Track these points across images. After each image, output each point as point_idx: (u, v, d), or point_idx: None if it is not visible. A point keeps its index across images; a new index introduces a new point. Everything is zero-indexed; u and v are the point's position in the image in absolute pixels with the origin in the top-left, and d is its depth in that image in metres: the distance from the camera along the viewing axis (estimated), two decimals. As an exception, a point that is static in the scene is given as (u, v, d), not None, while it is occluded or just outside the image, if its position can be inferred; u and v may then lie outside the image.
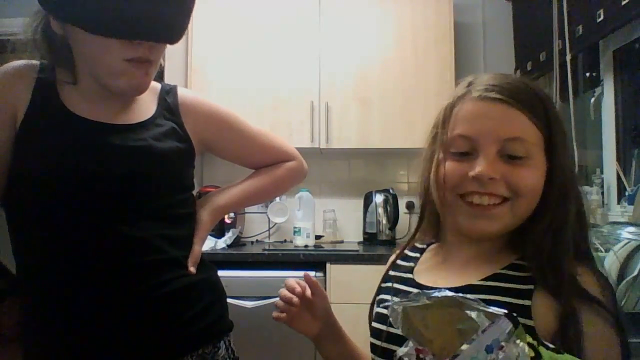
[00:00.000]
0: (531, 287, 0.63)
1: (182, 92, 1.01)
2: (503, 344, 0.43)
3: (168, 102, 0.97)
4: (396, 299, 0.51)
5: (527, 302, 0.61)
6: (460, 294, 0.49)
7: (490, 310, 0.45)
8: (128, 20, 0.77)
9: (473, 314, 0.45)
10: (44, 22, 0.85)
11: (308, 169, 1.18)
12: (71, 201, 0.82)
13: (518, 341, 0.44)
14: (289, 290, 0.85)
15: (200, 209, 1.00)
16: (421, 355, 0.46)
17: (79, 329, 0.81)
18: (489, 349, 0.43)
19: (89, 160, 0.83)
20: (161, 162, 0.89)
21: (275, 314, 0.87)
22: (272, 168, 1.11)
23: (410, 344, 0.49)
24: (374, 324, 0.80)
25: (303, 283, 0.85)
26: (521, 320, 0.47)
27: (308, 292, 0.85)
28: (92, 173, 0.83)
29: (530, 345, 0.45)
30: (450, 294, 0.48)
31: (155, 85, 0.99)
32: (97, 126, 0.86)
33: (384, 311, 0.79)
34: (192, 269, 0.91)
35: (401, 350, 0.49)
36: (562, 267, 0.63)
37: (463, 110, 0.69)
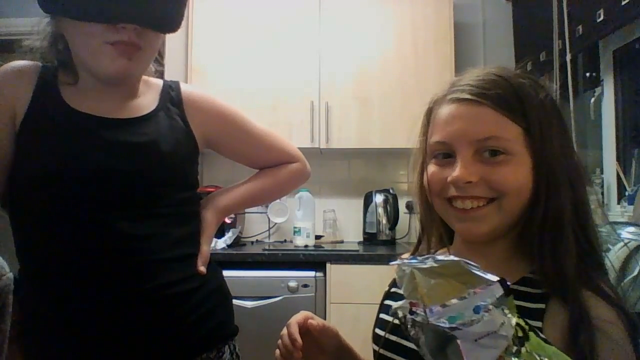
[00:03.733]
0: (542, 306, 0.60)
1: (185, 87, 1.00)
2: (490, 307, 0.44)
3: (171, 96, 0.97)
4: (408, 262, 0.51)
5: (537, 324, 0.58)
6: (464, 259, 0.49)
7: (486, 277, 0.46)
8: (110, 3, 0.77)
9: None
10: (50, 28, 0.86)
11: (310, 170, 1.17)
12: (74, 199, 0.82)
13: (506, 311, 0.45)
14: (290, 341, 0.77)
15: (203, 209, 0.99)
16: (414, 309, 0.47)
17: (80, 328, 0.81)
18: (476, 309, 0.44)
19: (93, 156, 0.82)
20: (165, 160, 0.88)
21: (277, 354, 0.80)
22: (274, 170, 1.10)
23: (401, 291, 0.50)
24: (377, 330, 0.79)
25: (298, 343, 0.76)
26: None
27: (298, 354, 0.76)
28: (96, 170, 0.82)
29: (520, 326, 0.45)
30: (455, 258, 0.49)
31: (157, 82, 0.99)
32: (100, 121, 0.86)
33: (388, 318, 0.78)
34: (202, 269, 0.91)
35: (397, 304, 0.50)
36: (564, 268, 0.60)
37: (438, 115, 0.69)
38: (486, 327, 0.43)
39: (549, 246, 0.62)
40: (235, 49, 2.61)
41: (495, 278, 0.46)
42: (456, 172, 0.64)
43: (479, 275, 0.47)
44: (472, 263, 0.48)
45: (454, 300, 0.45)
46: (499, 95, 0.64)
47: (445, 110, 0.68)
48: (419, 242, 0.81)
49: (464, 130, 0.65)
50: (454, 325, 0.44)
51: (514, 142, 0.64)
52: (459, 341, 0.43)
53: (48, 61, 0.89)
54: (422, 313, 0.46)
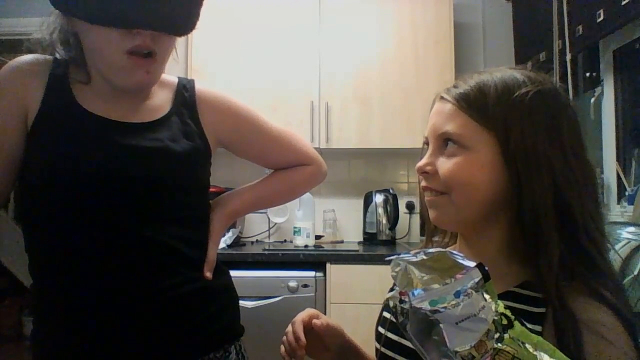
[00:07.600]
0: (543, 310, 0.59)
1: (199, 87, 0.98)
2: (470, 291, 0.45)
3: (185, 97, 0.95)
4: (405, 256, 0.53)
5: (537, 328, 0.58)
6: (450, 250, 0.51)
7: (465, 263, 0.48)
8: (126, 8, 0.76)
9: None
10: (60, 21, 0.85)
11: (327, 170, 1.13)
12: (86, 201, 0.81)
13: (487, 296, 0.46)
14: (294, 339, 0.78)
15: (211, 212, 0.98)
16: (403, 297, 0.48)
17: (90, 327, 0.81)
18: (457, 294, 0.45)
19: (105, 160, 0.82)
20: (178, 166, 0.87)
21: (282, 351, 0.81)
22: (287, 172, 1.07)
23: (397, 288, 0.51)
24: (379, 328, 0.79)
25: (302, 341, 0.78)
26: None
27: (302, 352, 0.78)
28: (108, 174, 0.81)
29: (506, 316, 0.46)
30: (442, 249, 0.51)
31: (172, 80, 0.97)
32: (112, 125, 0.85)
33: (389, 315, 0.78)
34: (209, 274, 0.91)
35: (389, 295, 0.52)
36: (543, 274, 0.59)
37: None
38: (466, 310, 0.44)
39: (533, 250, 0.61)
40: (236, 49, 2.61)
41: (473, 263, 0.47)
42: (418, 163, 0.69)
43: (460, 263, 0.49)
44: (457, 253, 0.50)
45: (436, 285, 0.47)
46: (461, 93, 0.66)
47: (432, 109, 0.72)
48: (428, 237, 0.82)
49: (433, 125, 0.69)
50: (435, 309, 0.45)
51: (468, 137, 0.64)
52: (441, 325, 0.44)
53: (61, 57, 0.88)
54: (408, 299, 0.48)
